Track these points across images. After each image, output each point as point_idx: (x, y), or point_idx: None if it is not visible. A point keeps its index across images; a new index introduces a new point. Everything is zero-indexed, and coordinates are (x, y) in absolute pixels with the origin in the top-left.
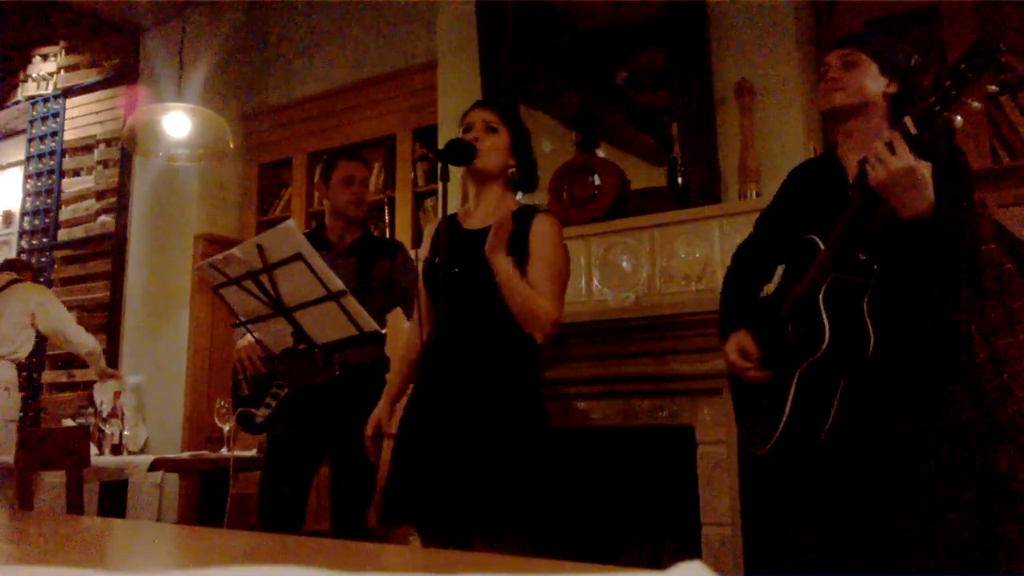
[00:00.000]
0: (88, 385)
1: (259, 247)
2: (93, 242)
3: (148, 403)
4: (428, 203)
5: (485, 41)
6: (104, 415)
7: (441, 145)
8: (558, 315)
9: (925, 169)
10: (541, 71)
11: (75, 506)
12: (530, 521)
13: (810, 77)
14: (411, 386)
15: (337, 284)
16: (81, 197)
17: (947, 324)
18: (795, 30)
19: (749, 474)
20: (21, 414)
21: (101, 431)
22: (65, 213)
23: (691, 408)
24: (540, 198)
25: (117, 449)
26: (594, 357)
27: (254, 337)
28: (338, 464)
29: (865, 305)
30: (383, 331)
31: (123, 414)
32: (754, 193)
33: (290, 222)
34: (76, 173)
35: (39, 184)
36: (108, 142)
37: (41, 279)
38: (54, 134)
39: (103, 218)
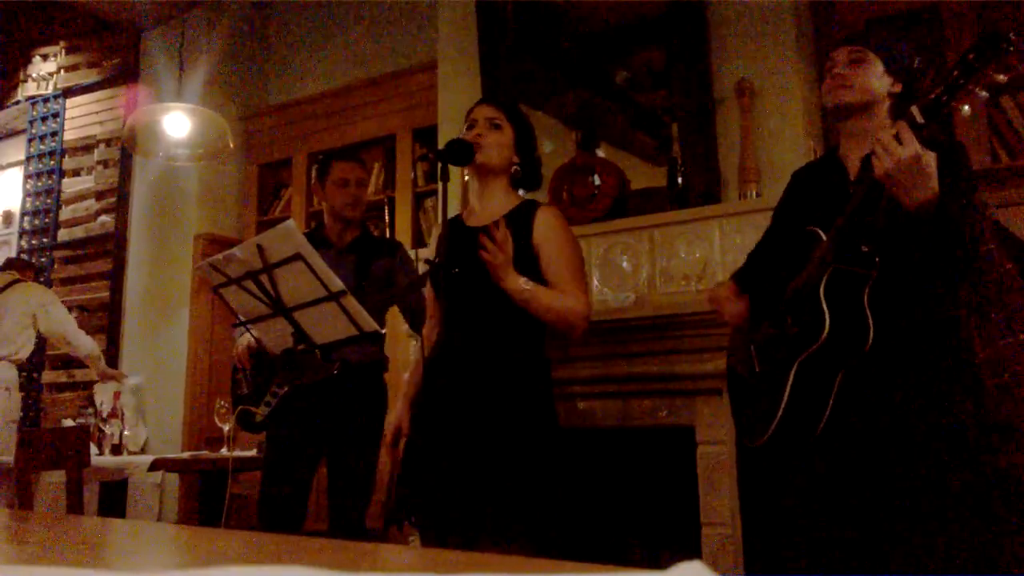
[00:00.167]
0: (88, 385)
1: (259, 247)
2: (93, 242)
3: (148, 403)
4: (428, 203)
5: (485, 41)
6: (104, 415)
7: (441, 145)
8: (587, 308)
9: (931, 159)
10: (541, 71)
11: (75, 506)
12: (538, 522)
13: (810, 77)
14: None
15: (337, 284)
16: (81, 197)
17: (946, 320)
18: (795, 30)
19: (748, 473)
20: (21, 414)
21: (101, 431)
22: (65, 213)
23: (691, 408)
24: (540, 198)
25: (117, 449)
26: (594, 357)
27: (253, 337)
28: (336, 464)
29: (866, 297)
30: (383, 331)
31: (123, 414)
32: (754, 193)
33: (290, 222)
34: (76, 173)
35: (39, 184)
36: (108, 142)
37: (41, 279)
38: (54, 134)
39: (103, 218)
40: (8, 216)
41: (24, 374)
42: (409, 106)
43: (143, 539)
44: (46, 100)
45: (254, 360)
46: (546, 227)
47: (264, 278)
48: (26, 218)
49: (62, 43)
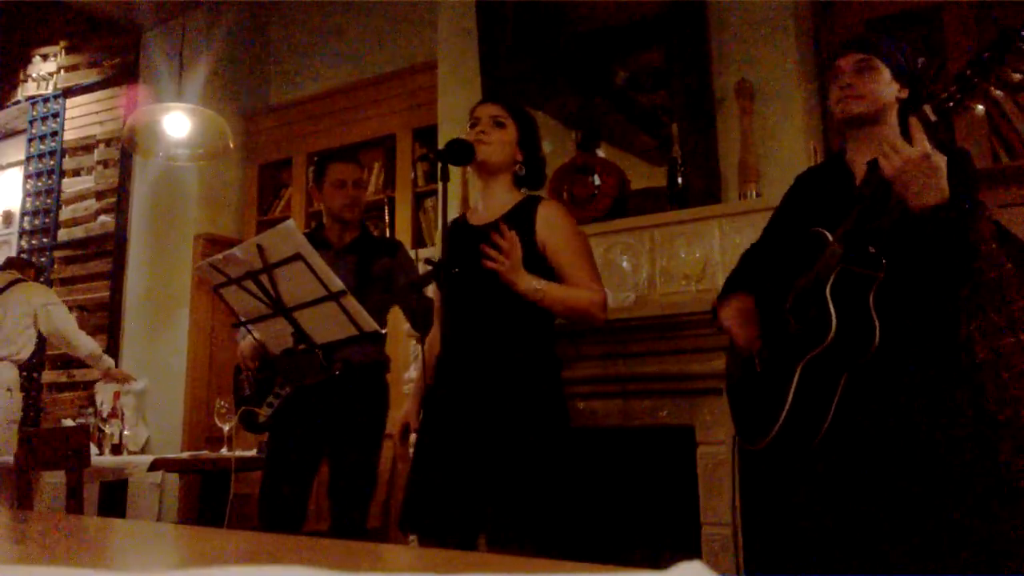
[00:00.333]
0: (88, 385)
1: (259, 247)
2: (93, 242)
3: (148, 403)
4: (428, 203)
5: (485, 41)
6: (104, 415)
7: (441, 145)
8: (603, 296)
9: (940, 160)
10: (541, 71)
11: (75, 506)
12: (550, 522)
13: (810, 77)
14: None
15: (337, 284)
16: (81, 197)
17: (949, 322)
18: (795, 30)
19: (748, 473)
20: (21, 414)
21: (101, 431)
22: (65, 213)
23: (691, 408)
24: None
25: (117, 449)
26: (594, 357)
27: (254, 337)
28: (338, 464)
29: (872, 299)
30: (383, 331)
31: (123, 414)
32: (754, 193)
33: (290, 222)
34: (76, 173)
35: (39, 184)
36: (108, 142)
37: (41, 279)
38: (54, 134)
39: (103, 218)
40: (8, 216)
41: (24, 374)
42: (409, 106)
43: (143, 539)
44: (46, 100)
45: (258, 361)
46: (550, 221)
47: (264, 278)
48: (26, 218)
49: (62, 43)
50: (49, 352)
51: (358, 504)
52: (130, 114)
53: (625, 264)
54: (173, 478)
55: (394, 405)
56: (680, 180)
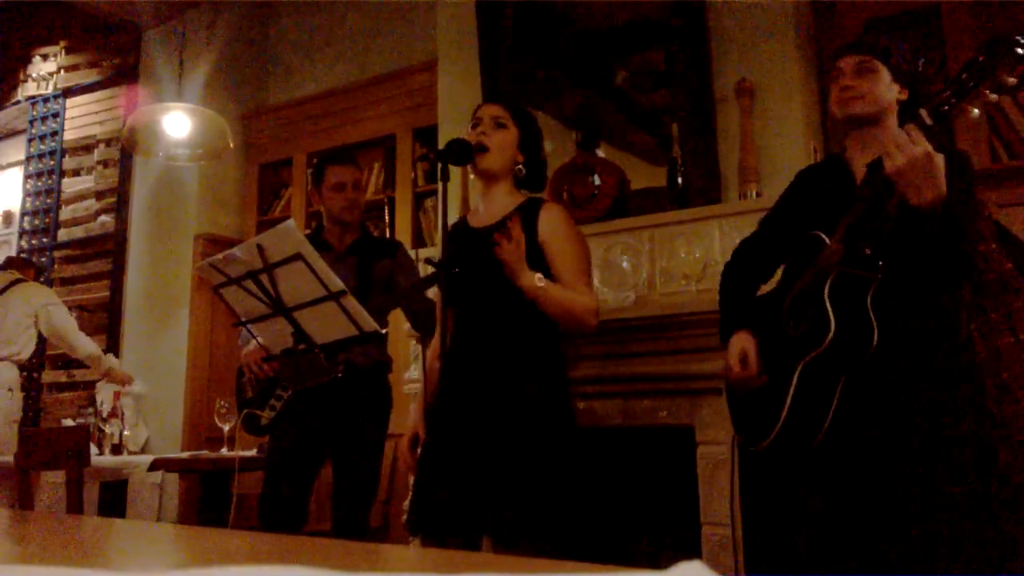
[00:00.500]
0: (88, 385)
1: (259, 247)
2: (93, 242)
3: (148, 403)
4: (428, 203)
5: (485, 41)
6: (104, 415)
7: (441, 145)
8: (597, 305)
9: (940, 160)
10: (541, 71)
11: (75, 506)
12: (551, 523)
13: (810, 77)
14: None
15: (337, 284)
16: (81, 197)
17: (948, 323)
18: (795, 30)
19: (749, 474)
20: (21, 414)
21: (101, 431)
22: (65, 213)
23: (691, 408)
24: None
25: (117, 449)
26: (594, 357)
27: (257, 341)
28: (340, 465)
29: (869, 300)
30: (384, 331)
31: (123, 414)
32: (754, 193)
33: (290, 222)
34: (76, 173)
35: (39, 184)
36: (108, 142)
37: (41, 279)
38: (54, 134)
39: (103, 218)
40: (8, 216)
41: (25, 374)
42: (409, 106)
43: (143, 539)
44: (46, 100)
45: (269, 364)
46: (551, 224)
47: (264, 278)
48: (26, 218)
49: (62, 43)
50: (49, 352)
51: (360, 505)
52: (130, 114)
53: (625, 264)
54: (173, 478)
55: (395, 406)
56: (680, 180)
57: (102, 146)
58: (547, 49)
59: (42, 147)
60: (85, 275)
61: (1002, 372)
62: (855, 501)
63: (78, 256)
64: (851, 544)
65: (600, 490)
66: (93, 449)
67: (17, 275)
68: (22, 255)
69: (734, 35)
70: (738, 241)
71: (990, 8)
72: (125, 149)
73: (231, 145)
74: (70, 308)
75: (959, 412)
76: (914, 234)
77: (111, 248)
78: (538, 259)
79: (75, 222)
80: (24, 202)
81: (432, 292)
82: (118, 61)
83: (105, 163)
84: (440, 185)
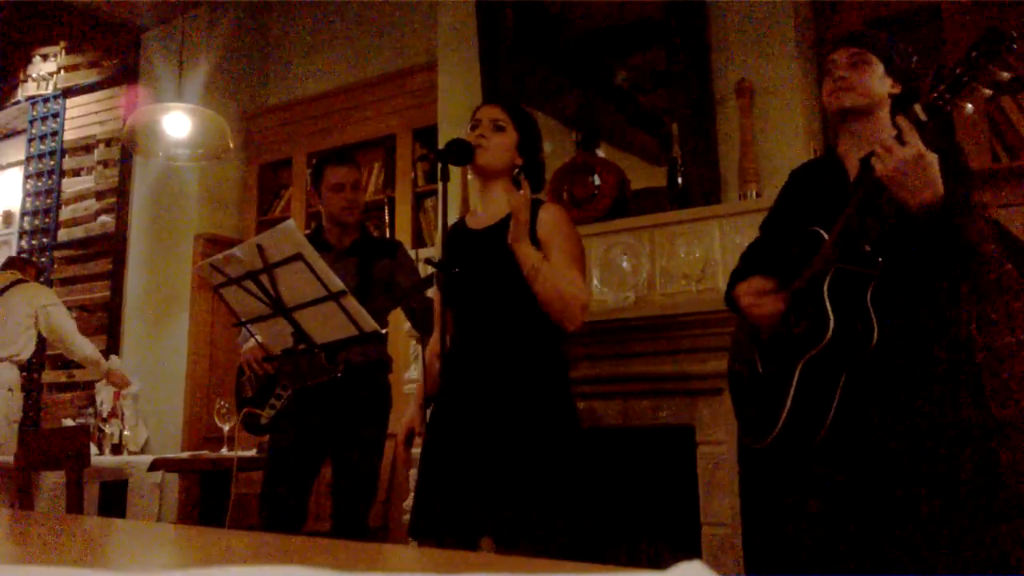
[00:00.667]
0: (88, 385)
1: (259, 247)
2: (93, 242)
3: (148, 403)
4: (428, 203)
5: (485, 41)
6: (104, 415)
7: (441, 145)
8: (587, 300)
9: (933, 159)
10: (541, 71)
11: (75, 506)
12: (555, 524)
13: (810, 77)
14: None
15: (337, 284)
16: (81, 197)
17: (947, 321)
18: (795, 30)
19: (749, 473)
20: (21, 414)
21: (101, 431)
22: (65, 213)
23: (691, 408)
24: (541, 198)
25: (117, 449)
26: (594, 357)
27: (256, 339)
28: (340, 464)
29: (869, 297)
30: (384, 331)
31: (123, 414)
32: (754, 193)
33: (290, 222)
34: (76, 173)
35: (39, 184)
36: (108, 142)
37: (42, 279)
38: (54, 134)
39: (103, 218)
40: (8, 216)
41: (25, 374)
42: (409, 106)
43: (143, 539)
44: (46, 100)
45: (269, 362)
46: (550, 222)
47: (264, 278)
48: (26, 218)
49: (62, 43)
50: (49, 352)
51: (360, 504)
52: (130, 114)
53: (625, 264)
54: (173, 478)
55: (395, 405)
56: (680, 180)
57: (102, 146)
58: (547, 49)
59: (42, 147)
60: (85, 275)
61: (1002, 372)
62: (855, 500)
63: (78, 256)
64: (851, 544)
65: (600, 490)
66: (93, 449)
67: (18, 275)
68: (22, 255)
69: (734, 35)
70: (738, 241)
71: (990, 8)
72: (125, 149)
73: (231, 145)
74: (70, 308)
75: (959, 411)
76: (911, 232)
77: (111, 248)
78: None
79: (75, 222)
80: (24, 202)
81: (431, 291)
82: (118, 61)
83: (105, 163)
84: (440, 185)
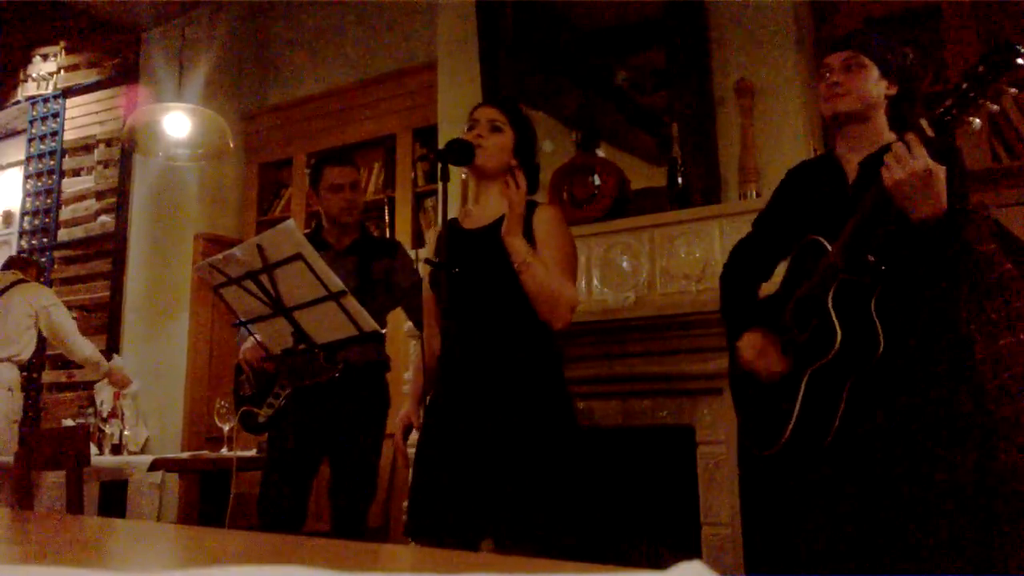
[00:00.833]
0: (88, 385)
1: (259, 247)
2: (93, 242)
3: (148, 403)
4: (428, 203)
5: (485, 41)
6: (104, 415)
7: (441, 145)
8: (575, 301)
9: (941, 173)
10: (541, 71)
11: (75, 506)
12: (554, 524)
13: (810, 77)
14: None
15: (337, 284)
16: (81, 197)
17: (949, 325)
18: (795, 30)
19: (750, 474)
20: (22, 414)
21: (101, 431)
22: (65, 213)
23: (691, 408)
24: (540, 198)
25: (117, 449)
26: (594, 357)
27: (255, 339)
28: (339, 464)
29: (873, 306)
30: (383, 331)
31: (123, 414)
32: (754, 193)
33: (290, 222)
34: (76, 173)
35: (39, 184)
36: (108, 142)
37: (42, 279)
38: (54, 134)
39: (103, 218)
40: (8, 216)
41: (25, 374)
42: (409, 106)
43: (143, 539)
44: (46, 100)
45: (267, 361)
46: (545, 224)
47: (264, 278)
48: (26, 218)
49: (62, 43)
50: (49, 352)
51: (359, 504)
52: (130, 114)
53: (625, 264)
54: (173, 478)
55: (394, 405)
56: (680, 180)
57: (102, 146)
58: (547, 49)
59: (42, 147)
60: (85, 275)
61: (1002, 372)
62: (856, 501)
63: (78, 256)
64: (851, 544)
65: (600, 490)
66: (93, 449)
67: (19, 275)
68: (22, 255)
69: (734, 35)
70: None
71: (990, 8)
72: (125, 149)
73: (231, 145)
74: (70, 308)
75: (959, 412)
76: (913, 241)
77: (111, 248)
78: None
79: (75, 222)
80: (24, 202)
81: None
82: (118, 61)
83: (105, 163)
84: (440, 185)
